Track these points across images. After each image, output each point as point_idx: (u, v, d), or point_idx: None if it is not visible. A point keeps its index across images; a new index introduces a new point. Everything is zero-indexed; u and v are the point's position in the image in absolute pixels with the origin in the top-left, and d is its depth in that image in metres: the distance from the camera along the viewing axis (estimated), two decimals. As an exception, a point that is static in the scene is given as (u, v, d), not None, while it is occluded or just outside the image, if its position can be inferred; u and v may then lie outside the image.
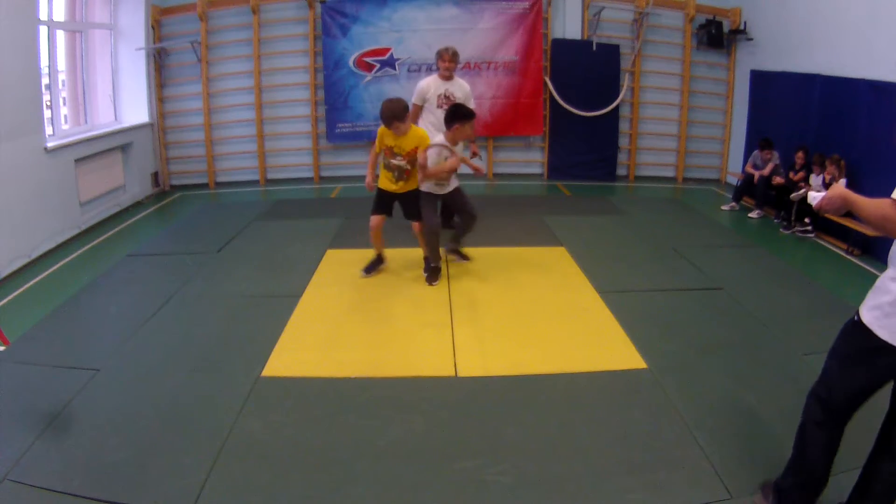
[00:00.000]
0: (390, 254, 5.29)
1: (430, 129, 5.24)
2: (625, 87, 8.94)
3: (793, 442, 2.45)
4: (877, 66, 5.85)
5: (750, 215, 7.23)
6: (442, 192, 4.95)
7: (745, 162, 8.33)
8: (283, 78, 8.80)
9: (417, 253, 5.20)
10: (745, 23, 8.60)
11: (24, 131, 5.61)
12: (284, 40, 8.70)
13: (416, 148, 4.64)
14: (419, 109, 5.69)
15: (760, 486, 2.63)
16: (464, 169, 4.95)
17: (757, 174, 7.25)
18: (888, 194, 2.05)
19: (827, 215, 3.01)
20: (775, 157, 7.12)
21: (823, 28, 6.80)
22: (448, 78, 5.68)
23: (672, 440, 2.95)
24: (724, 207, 7.62)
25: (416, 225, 4.96)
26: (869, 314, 2.20)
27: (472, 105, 5.49)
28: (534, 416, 3.15)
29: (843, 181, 6.06)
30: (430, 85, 5.67)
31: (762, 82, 8.08)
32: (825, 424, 2.34)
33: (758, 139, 7.60)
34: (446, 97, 5.63)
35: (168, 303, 4.54)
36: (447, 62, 5.60)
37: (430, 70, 8.50)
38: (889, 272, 2.19)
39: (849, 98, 6.22)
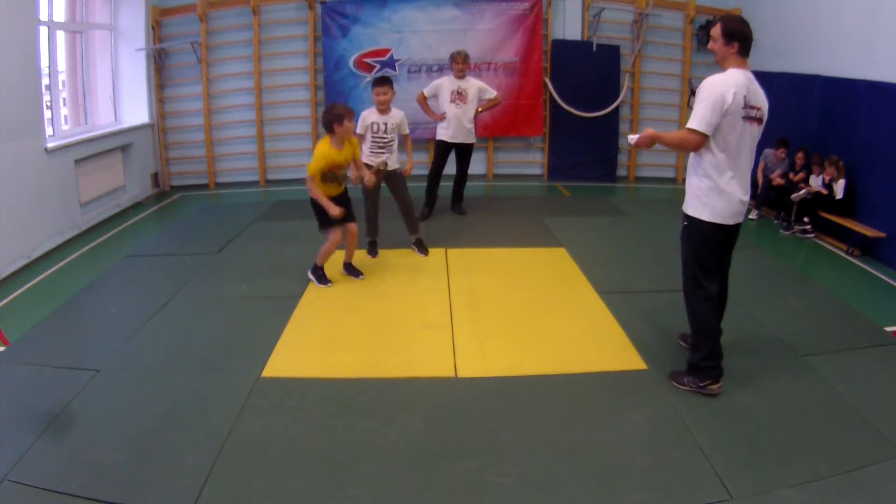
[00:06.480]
0: (389, 254, 5.28)
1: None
2: (625, 88, 8.94)
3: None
4: (877, 66, 5.85)
5: (750, 216, 7.23)
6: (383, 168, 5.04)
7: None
8: (284, 79, 8.80)
9: (418, 255, 5.22)
10: (745, 23, 8.60)
11: (24, 132, 5.61)
12: (284, 41, 8.70)
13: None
14: (425, 99, 6.46)
15: (670, 375, 3.42)
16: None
17: (761, 183, 7.17)
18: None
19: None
20: (785, 163, 7.09)
21: (823, 28, 6.80)
22: (461, 77, 6.38)
23: (672, 441, 2.95)
24: None
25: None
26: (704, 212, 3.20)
27: (492, 94, 6.52)
28: (534, 417, 3.15)
29: (842, 182, 6.07)
30: (443, 82, 6.40)
31: (762, 83, 8.01)
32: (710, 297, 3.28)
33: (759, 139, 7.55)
34: (458, 93, 6.35)
35: (168, 304, 4.54)
36: (459, 63, 6.32)
37: (430, 71, 8.58)
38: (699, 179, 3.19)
39: (849, 98, 6.22)
